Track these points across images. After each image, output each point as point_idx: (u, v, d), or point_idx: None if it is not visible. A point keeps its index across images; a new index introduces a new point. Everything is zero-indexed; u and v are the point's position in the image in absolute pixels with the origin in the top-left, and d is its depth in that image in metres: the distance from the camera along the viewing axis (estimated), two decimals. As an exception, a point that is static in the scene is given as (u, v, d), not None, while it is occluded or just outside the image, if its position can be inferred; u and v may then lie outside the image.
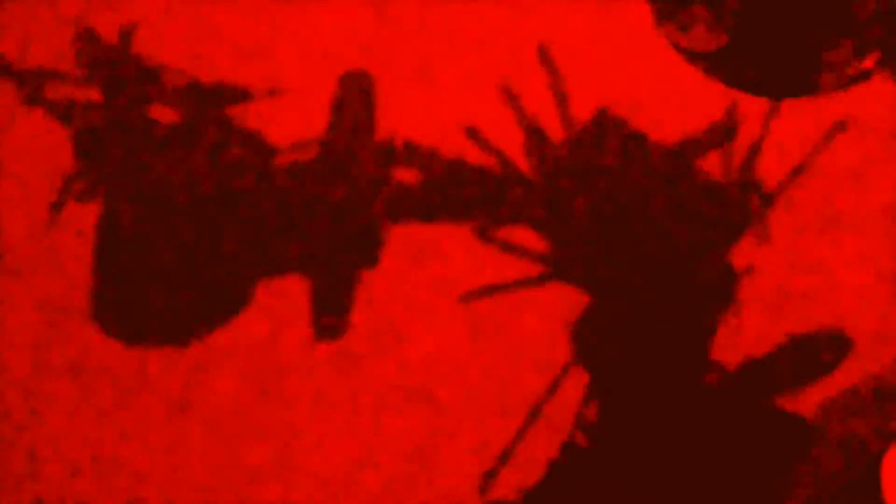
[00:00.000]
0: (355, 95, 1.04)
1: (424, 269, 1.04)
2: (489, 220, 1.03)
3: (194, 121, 1.05)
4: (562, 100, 1.03)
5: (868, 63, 0.52)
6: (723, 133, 0.99)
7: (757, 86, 0.53)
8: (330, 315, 1.02)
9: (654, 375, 1.01)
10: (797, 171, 0.99)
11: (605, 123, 1.03)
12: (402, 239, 1.04)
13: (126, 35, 1.08)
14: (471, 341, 1.03)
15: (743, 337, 1.03)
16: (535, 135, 1.02)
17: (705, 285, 1.02)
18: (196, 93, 1.06)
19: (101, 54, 1.08)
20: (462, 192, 1.04)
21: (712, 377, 1.02)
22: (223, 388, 1.03)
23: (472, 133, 1.03)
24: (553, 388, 1.01)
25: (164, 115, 1.07)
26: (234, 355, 1.03)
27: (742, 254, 1.04)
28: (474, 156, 1.05)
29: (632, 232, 1.03)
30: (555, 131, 1.05)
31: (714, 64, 0.54)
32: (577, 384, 1.02)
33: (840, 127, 0.90)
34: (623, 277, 1.02)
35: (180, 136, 1.06)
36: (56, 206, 1.02)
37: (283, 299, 1.04)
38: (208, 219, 1.04)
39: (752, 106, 0.95)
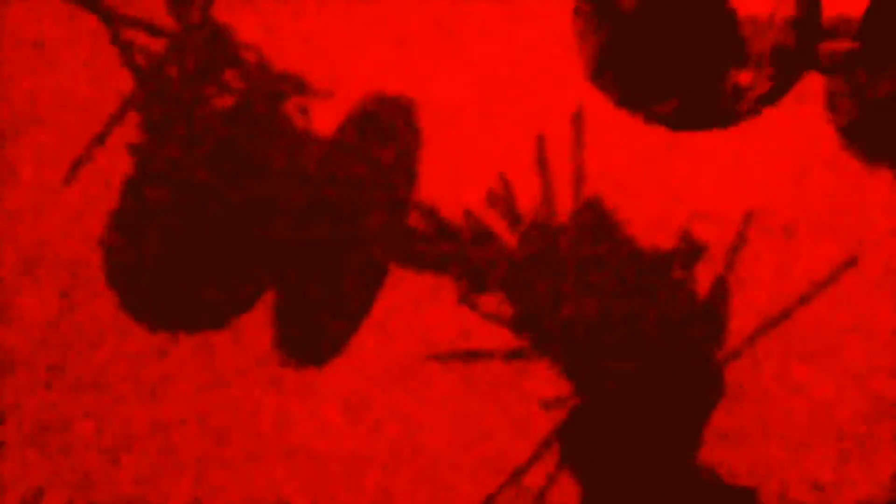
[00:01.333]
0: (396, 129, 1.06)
1: (409, 321, 1.06)
2: (475, 287, 1.04)
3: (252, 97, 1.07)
4: (577, 179, 1.03)
5: (760, 92, 0.56)
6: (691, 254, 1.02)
7: (666, 119, 0.57)
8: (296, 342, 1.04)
9: (634, 461, 1.03)
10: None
11: (604, 208, 1.04)
12: (399, 284, 1.06)
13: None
14: (444, 406, 1.04)
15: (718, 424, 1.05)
16: (544, 208, 1.02)
17: (687, 374, 1.04)
18: (264, 73, 1.08)
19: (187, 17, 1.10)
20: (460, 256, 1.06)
21: (694, 459, 1.04)
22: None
23: (492, 198, 1.04)
24: (529, 462, 1.03)
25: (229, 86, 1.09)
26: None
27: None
28: (490, 217, 1.07)
29: (619, 325, 1.04)
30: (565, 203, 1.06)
31: (623, 98, 0.58)
32: (551, 457, 1.03)
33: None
34: (607, 369, 1.04)
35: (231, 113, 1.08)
36: (89, 151, 1.05)
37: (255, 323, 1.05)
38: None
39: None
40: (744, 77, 0.56)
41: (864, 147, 0.58)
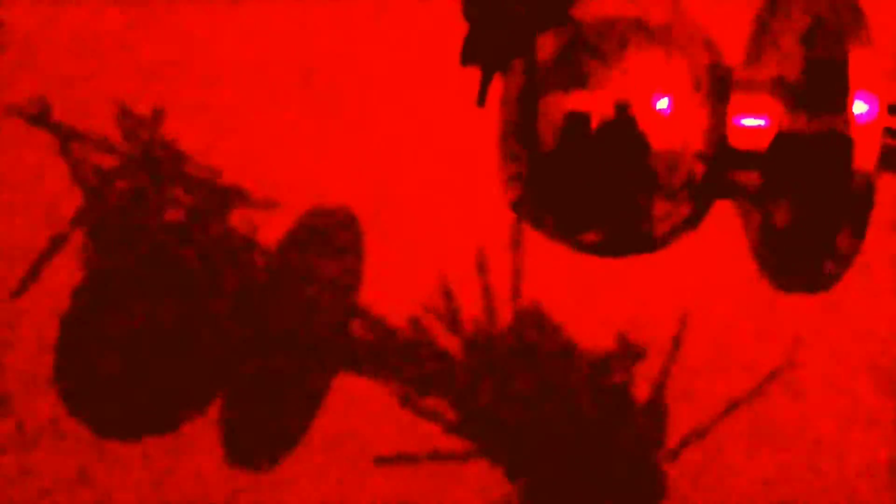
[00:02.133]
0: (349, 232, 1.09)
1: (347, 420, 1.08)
2: (417, 390, 1.07)
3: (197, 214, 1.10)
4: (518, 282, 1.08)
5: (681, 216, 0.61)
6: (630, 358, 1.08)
7: (593, 248, 0.62)
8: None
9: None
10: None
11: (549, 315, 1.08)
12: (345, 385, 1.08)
13: (158, 114, 1.14)
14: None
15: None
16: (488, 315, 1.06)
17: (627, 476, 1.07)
18: (207, 188, 1.12)
19: (136, 129, 1.14)
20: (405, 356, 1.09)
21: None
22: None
23: (447, 294, 1.08)
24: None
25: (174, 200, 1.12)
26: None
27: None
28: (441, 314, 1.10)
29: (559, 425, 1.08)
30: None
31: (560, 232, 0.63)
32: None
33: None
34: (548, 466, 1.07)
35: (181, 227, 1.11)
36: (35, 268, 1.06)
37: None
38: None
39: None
40: (659, 207, 0.60)
41: (777, 265, 0.63)
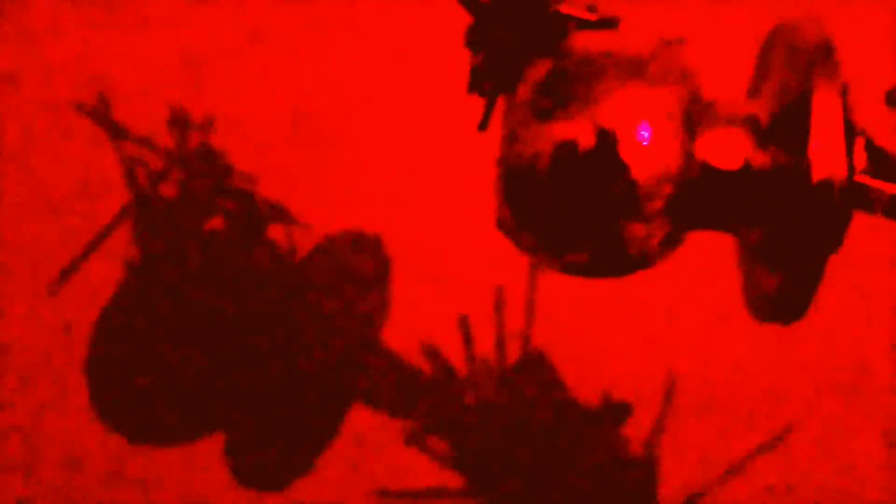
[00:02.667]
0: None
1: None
2: (424, 428, 1.10)
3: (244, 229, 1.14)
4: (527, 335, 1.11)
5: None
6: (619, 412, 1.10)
7: (580, 268, 0.64)
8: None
9: None
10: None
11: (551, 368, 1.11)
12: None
13: (210, 123, 1.19)
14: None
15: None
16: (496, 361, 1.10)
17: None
18: (253, 203, 1.16)
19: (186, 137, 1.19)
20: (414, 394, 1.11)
21: None
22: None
23: (464, 325, 1.11)
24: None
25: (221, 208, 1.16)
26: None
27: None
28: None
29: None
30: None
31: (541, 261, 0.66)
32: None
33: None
34: None
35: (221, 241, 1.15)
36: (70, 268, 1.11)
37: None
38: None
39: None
40: (638, 229, 0.63)
41: (754, 297, 0.65)
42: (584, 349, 1.08)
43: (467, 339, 1.07)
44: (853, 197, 0.61)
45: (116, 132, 1.18)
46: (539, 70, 0.63)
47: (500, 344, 1.07)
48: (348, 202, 1.14)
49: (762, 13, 1.08)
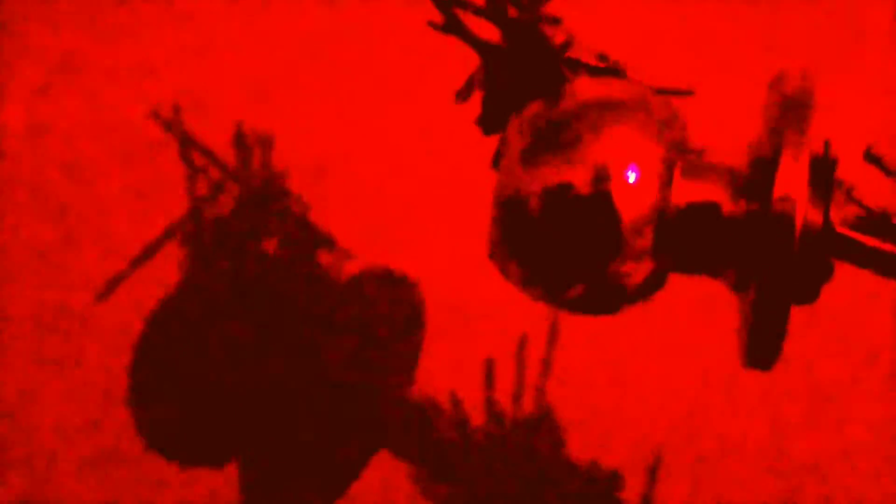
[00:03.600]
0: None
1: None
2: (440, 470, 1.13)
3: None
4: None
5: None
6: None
7: (573, 304, 0.67)
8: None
9: None
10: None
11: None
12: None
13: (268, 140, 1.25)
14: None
15: None
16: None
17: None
18: (305, 229, 1.21)
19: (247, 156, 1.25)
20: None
21: None
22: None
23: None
24: None
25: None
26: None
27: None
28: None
29: None
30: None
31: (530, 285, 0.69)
32: None
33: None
34: None
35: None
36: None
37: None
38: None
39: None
40: (626, 267, 0.66)
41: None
42: (599, 403, 1.11)
43: (489, 385, 1.11)
44: (835, 249, 0.63)
45: (185, 142, 1.24)
46: (533, 110, 0.67)
47: (518, 393, 1.11)
48: (388, 237, 1.19)
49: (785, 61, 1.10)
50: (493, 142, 0.87)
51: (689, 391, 1.12)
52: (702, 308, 1.11)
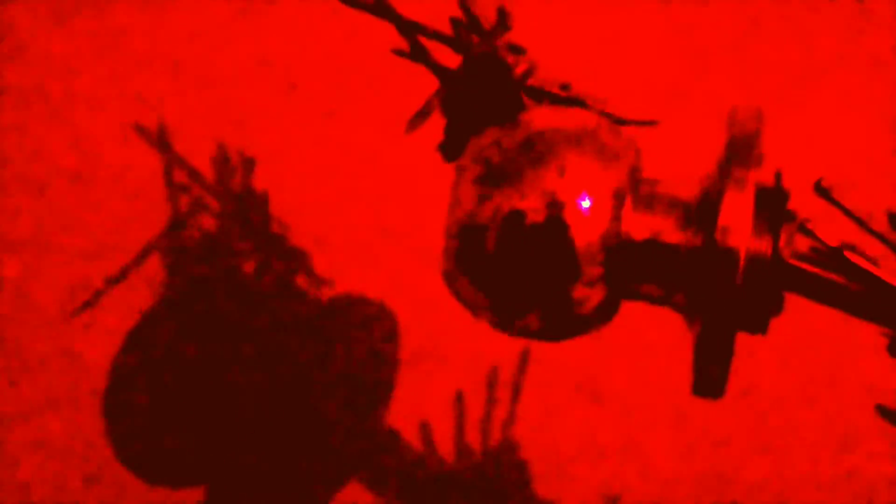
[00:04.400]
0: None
1: None
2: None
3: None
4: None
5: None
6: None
7: (529, 332, 0.68)
8: None
9: None
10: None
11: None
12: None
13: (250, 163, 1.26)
14: None
15: None
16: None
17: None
18: (285, 254, 1.22)
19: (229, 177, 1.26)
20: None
21: None
22: None
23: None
24: None
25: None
26: None
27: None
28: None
29: None
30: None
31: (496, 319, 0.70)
32: None
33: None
34: None
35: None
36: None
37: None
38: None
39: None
40: (580, 292, 0.66)
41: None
42: (562, 442, 1.11)
43: (459, 417, 1.11)
44: (785, 281, 0.64)
45: (170, 160, 1.25)
46: (488, 138, 0.67)
47: (485, 425, 1.11)
48: (368, 261, 1.19)
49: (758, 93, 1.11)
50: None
51: (662, 422, 1.13)
52: (671, 334, 1.12)
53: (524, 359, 1.12)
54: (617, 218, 0.64)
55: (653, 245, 0.63)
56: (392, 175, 1.22)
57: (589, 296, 0.65)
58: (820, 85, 1.20)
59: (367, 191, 1.23)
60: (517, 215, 0.65)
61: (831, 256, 0.65)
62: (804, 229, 0.65)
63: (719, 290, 0.58)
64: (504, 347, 1.14)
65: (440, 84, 0.72)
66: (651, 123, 0.76)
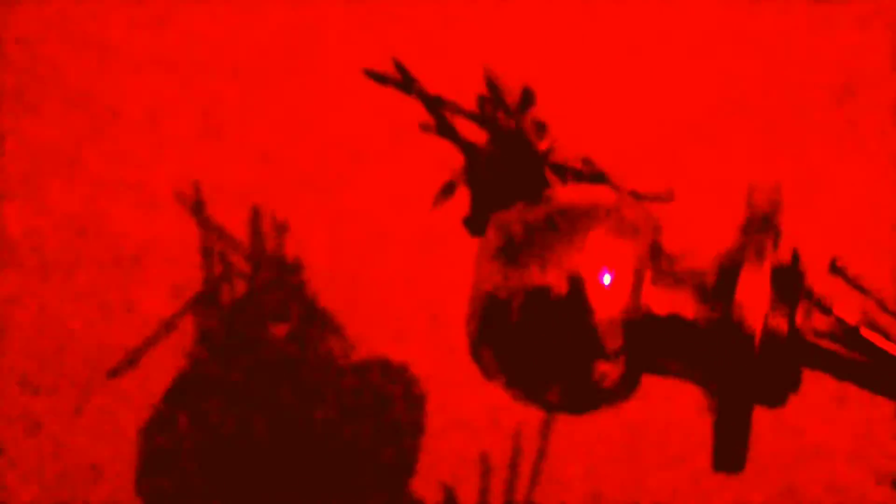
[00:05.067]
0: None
1: None
2: None
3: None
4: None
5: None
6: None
7: (555, 406, 0.69)
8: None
9: None
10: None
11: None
12: None
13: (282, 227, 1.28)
14: None
15: None
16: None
17: None
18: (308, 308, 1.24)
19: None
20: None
21: None
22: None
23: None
24: None
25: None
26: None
27: None
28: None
29: None
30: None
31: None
32: None
33: None
34: None
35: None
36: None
37: None
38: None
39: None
40: (601, 366, 0.68)
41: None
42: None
43: (485, 479, 1.12)
44: (802, 357, 0.65)
45: (206, 225, 1.27)
46: (512, 213, 0.69)
47: (511, 486, 1.12)
48: (391, 329, 1.21)
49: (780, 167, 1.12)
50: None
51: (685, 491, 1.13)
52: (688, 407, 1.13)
53: (547, 426, 1.13)
54: (637, 293, 0.65)
55: (672, 320, 0.64)
56: (418, 246, 1.24)
57: (610, 370, 0.67)
58: (836, 163, 1.22)
59: (395, 261, 1.25)
60: (539, 290, 0.67)
61: (848, 333, 0.65)
62: (821, 306, 0.66)
63: (736, 365, 0.59)
64: (527, 415, 1.15)
65: (465, 159, 0.74)
66: (669, 198, 0.77)
